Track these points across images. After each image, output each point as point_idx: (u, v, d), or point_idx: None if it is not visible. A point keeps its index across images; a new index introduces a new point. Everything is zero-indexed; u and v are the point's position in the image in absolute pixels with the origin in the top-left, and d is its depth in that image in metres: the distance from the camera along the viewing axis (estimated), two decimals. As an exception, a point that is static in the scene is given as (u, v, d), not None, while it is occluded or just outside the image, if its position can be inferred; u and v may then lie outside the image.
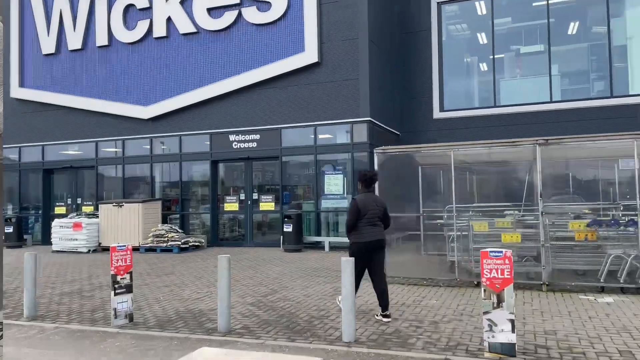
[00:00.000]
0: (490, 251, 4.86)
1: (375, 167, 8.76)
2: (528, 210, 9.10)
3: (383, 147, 8.78)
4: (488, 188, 11.41)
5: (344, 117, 13.39)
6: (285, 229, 13.06)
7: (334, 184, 13.47)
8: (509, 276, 4.78)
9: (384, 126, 14.43)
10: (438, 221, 10.24)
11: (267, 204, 14.35)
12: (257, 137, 14.38)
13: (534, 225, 8.25)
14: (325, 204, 13.56)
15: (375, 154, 8.76)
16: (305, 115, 13.85)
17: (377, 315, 6.27)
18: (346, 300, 5.40)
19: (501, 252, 4.83)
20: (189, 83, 15.13)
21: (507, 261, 4.80)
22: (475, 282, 8.20)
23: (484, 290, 4.86)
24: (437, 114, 15.68)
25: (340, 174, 13.47)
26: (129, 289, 6.50)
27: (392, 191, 10.72)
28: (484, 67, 15.83)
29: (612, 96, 14.12)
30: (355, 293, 6.09)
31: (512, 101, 15.10)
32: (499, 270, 4.80)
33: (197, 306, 7.24)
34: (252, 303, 7.34)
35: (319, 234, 13.60)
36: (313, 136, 13.74)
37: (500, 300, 4.79)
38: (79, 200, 16.87)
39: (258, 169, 14.96)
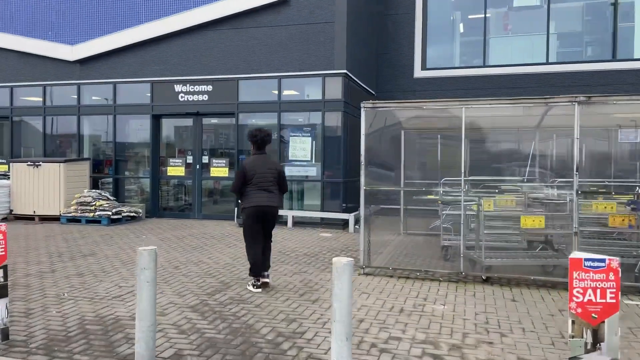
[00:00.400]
0: (586, 259, 2.96)
1: (362, 127, 6.73)
2: (553, 186, 7.38)
3: (372, 102, 6.74)
4: (499, 159, 9.64)
5: (315, 69, 11.21)
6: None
7: (301, 148, 11.37)
8: (613, 299, 2.93)
9: (360, 83, 12.36)
10: (430, 196, 8.41)
11: (220, 169, 12.11)
12: (209, 88, 11.99)
13: (560, 205, 6.53)
14: (289, 171, 11.47)
15: (362, 110, 6.71)
16: (268, 64, 11.56)
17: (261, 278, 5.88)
18: (340, 325, 3.41)
19: (603, 261, 2.95)
20: (126, 19, 12.44)
21: (611, 275, 2.93)
22: (484, 277, 6.44)
23: (572, 322, 2.99)
24: (418, 72, 13.73)
25: (308, 136, 11.37)
26: (1, 292, 4.29)
27: (381, 159, 8.80)
28: (472, 21, 13.91)
29: (614, 59, 12.58)
30: (260, 269, 5.88)
31: (503, 61, 13.34)
32: (599, 292, 2.93)
33: (114, 311, 5.09)
34: (194, 306, 5.27)
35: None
36: (277, 90, 11.51)
37: (597, 339, 2.94)
38: (-10, 158, 14.02)
39: (210, 128, 12.62)
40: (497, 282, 6.45)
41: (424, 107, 6.59)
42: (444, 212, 7.75)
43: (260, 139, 5.96)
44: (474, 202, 6.76)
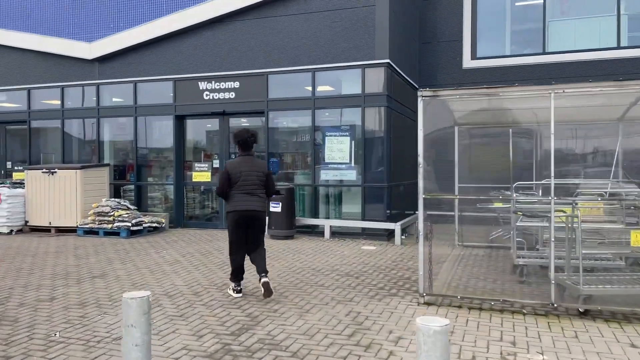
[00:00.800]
0: None
1: (420, 119, 5.43)
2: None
3: (433, 89, 5.41)
4: (577, 158, 8.17)
5: (354, 59, 9.94)
6: (272, 208, 9.75)
7: (338, 149, 10.12)
8: None
9: (404, 75, 11.02)
10: (498, 204, 7.01)
11: (249, 174, 10.95)
12: (236, 85, 10.88)
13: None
14: (325, 175, 10.24)
15: (420, 100, 5.41)
16: (300, 56, 10.37)
17: (263, 283, 5.49)
18: None
19: None
20: (147, 12, 11.46)
21: None
22: (581, 310, 5.03)
23: None
24: (467, 62, 12.29)
25: (346, 135, 10.10)
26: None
27: (433, 159, 7.49)
28: (528, 3, 12.38)
29: (701, 42, 10.86)
30: (241, 275, 5.78)
31: (566, 47, 11.75)
32: None
33: (111, 362, 3.95)
34: (214, 354, 4.06)
35: (316, 214, 10.33)
36: (311, 85, 10.29)
37: None
38: (9, 165, 13.30)
39: (237, 128, 11.48)
40: (598, 315, 5.03)
41: (501, 95, 5.21)
42: (520, 224, 6.34)
43: (244, 139, 5.72)
44: (561, 210, 5.33)
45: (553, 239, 5.05)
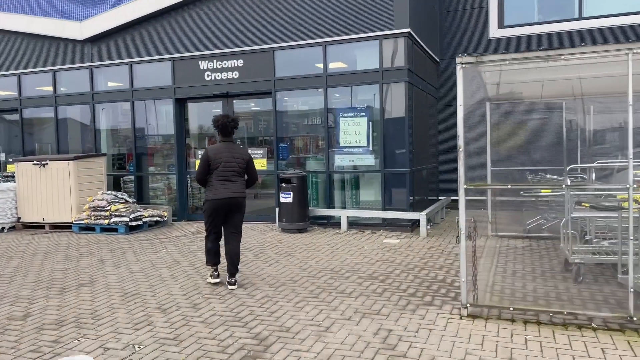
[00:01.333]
0: None
1: (460, 92, 4.42)
2: None
3: (477, 55, 4.38)
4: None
5: (370, 30, 8.87)
6: (282, 199, 8.83)
7: (354, 131, 9.12)
8: None
9: (425, 47, 9.93)
10: (546, 191, 6.00)
11: (256, 161, 10.02)
12: (240, 63, 9.88)
13: None
14: (340, 160, 9.27)
15: (459, 68, 4.39)
16: (310, 28, 9.32)
17: (228, 285, 5.54)
18: None
19: None
20: (140, -14, 10.45)
21: None
22: (667, 324, 4.05)
23: None
24: (494, 31, 11.13)
25: (363, 116, 9.09)
26: None
27: (472, 140, 6.52)
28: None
29: None
30: (217, 259, 5.69)
31: (605, 11, 10.53)
32: None
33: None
34: (209, 400, 3.17)
35: (331, 204, 9.39)
36: (322, 60, 9.26)
37: None
38: (2, 157, 12.52)
39: (242, 111, 10.54)
40: (688, 330, 4.05)
41: (562, 57, 4.16)
42: (575, 215, 5.33)
43: (223, 124, 5.57)
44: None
45: (632, 237, 4.04)
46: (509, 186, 4.44)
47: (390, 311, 4.71)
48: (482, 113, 8.01)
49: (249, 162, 5.65)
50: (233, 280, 5.53)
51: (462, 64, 4.41)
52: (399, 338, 4.08)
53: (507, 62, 4.33)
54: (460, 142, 4.45)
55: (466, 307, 4.51)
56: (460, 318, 4.48)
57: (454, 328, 4.26)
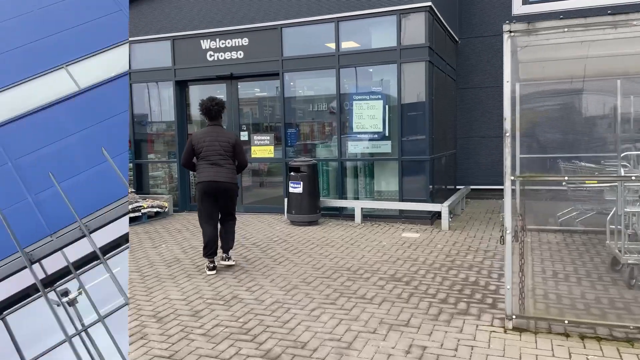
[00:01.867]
0: None
1: (507, 67, 3.72)
2: None
3: (529, 22, 3.67)
4: None
5: (387, 4, 8.12)
6: (291, 189, 8.17)
7: (369, 115, 8.41)
8: None
9: (445, 24, 9.16)
10: (591, 182, 5.32)
11: (263, 148, 9.36)
12: (245, 42, 9.15)
13: None
14: (353, 147, 8.59)
15: (506, 37, 3.69)
16: (321, 3, 8.57)
17: (221, 261, 5.70)
18: None
19: None
20: (137, -41, 9.71)
21: None
22: None
23: None
24: (517, 7, 10.33)
25: (378, 98, 8.37)
26: None
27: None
28: None
29: None
30: (214, 250, 5.56)
31: (640, -15, 9.71)
32: None
33: None
34: None
35: (343, 195, 8.72)
36: (334, 39, 8.52)
37: None
38: None
39: (248, 94, 9.84)
40: None
41: (635, 23, 3.45)
42: (629, 209, 4.64)
43: (207, 108, 5.54)
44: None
45: None
46: (566, 177, 3.75)
47: (421, 322, 4.07)
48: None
49: (235, 145, 5.56)
50: (226, 256, 5.67)
51: (511, 32, 3.70)
52: (436, 358, 3.43)
53: (566, 29, 3.61)
54: (507, 125, 3.76)
55: (511, 319, 3.85)
56: (505, 332, 3.83)
57: (499, 345, 3.61)
